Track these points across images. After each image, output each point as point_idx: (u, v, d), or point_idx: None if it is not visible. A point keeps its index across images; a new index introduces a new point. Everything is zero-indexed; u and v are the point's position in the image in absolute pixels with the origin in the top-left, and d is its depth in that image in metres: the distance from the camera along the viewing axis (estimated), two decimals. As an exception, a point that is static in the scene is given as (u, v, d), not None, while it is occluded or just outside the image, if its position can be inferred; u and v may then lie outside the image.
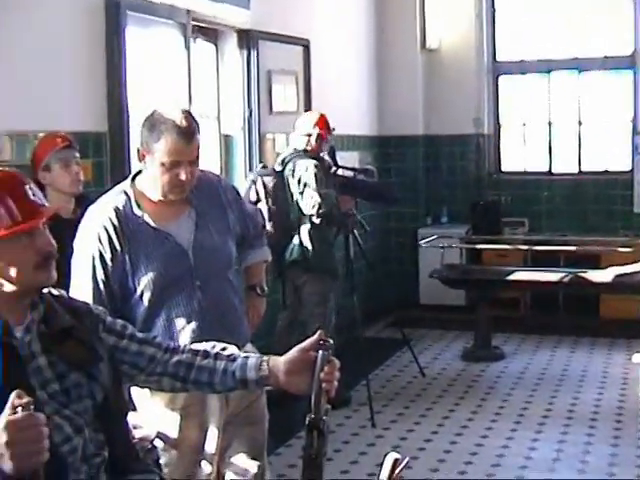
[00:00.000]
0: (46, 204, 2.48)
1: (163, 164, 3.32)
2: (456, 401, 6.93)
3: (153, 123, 3.35)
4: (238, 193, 3.80)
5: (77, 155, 4.51)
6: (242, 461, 3.56)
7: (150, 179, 3.41)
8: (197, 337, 3.30)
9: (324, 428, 2.52)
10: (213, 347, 2.83)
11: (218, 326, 3.42)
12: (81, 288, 3.28)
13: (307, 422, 2.53)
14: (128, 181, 3.52)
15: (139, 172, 3.50)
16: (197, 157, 3.40)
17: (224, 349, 2.82)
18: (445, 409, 6.72)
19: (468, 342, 8.49)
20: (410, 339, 8.04)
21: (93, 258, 3.35)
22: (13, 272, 2.40)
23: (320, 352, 2.56)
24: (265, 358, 2.73)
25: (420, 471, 5.39)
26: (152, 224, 3.40)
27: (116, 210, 3.39)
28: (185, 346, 2.85)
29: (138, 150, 3.42)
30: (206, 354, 2.79)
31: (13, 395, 2.02)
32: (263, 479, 3.60)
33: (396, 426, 6.38)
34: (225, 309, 3.51)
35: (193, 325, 3.40)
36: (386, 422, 6.44)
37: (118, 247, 3.35)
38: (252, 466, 3.57)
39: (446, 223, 9.99)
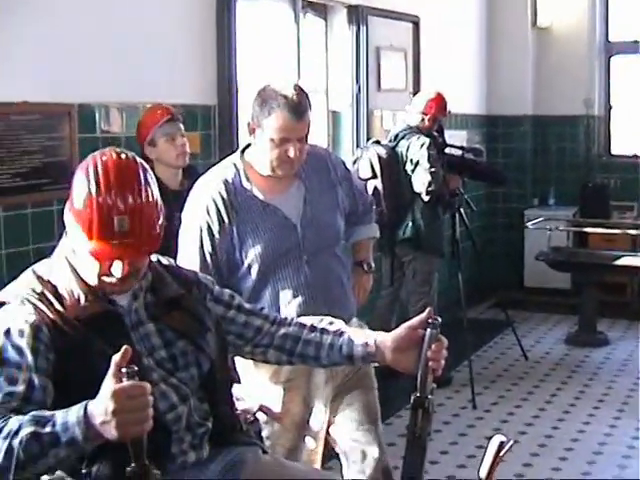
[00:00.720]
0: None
1: (272, 140, 3.30)
2: (559, 386, 6.83)
3: (265, 98, 3.32)
4: (348, 169, 3.76)
5: (181, 127, 4.52)
6: (355, 431, 3.51)
7: (259, 153, 3.40)
8: (303, 311, 3.28)
9: (429, 407, 2.50)
10: (320, 321, 2.82)
11: (324, 300, 3.40)
12: (188, 259, 3.30)
13: (412, 400, 2.52)
14: (238, 154, 3.52)
15: (248, 145, 3.50)
16: (307, 134, 3.37)
17: (331, 323, 2.81)
18: (547, 393, 6.63)
19: (572, 326, 8.35)
20: (513, 321, 7.95)
21: (201, 230, 3.37)
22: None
23: (428, 330, 2.53)
24: (373, 334, 2.72)
25: (521, 455, 5.32)
26: (261, 197, 3.40)
27: (225, 183, 3.39)
28: (292, 319, 2.85)
29: (248, 124, 3.41)
30: (313, 328, 2.78)
31: (117, 356, 2.04)
32: (381, 449, 3.53)
33: (497, 408, 6.33)
34: (332, 284, 3.49)
35: (299, 299, 3.39)
36: (487, 404, 6.39)
37: (226, 219, 3.35)
38: (366, 435, 3.52)
39: (553, 205, 9.82)
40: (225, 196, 3.36)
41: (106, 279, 2.40)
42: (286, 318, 2.85)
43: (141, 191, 2.36)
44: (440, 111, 6.64)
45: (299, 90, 3.34)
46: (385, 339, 2.65)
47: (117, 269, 2.37)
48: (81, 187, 2.35)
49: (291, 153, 3.31)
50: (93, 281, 2.41)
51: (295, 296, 3.40)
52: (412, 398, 2.53)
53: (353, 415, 3.50)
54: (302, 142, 3.35)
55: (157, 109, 4.54)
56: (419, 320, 2.57)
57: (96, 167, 2.36)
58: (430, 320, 2.54)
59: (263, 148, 3.35)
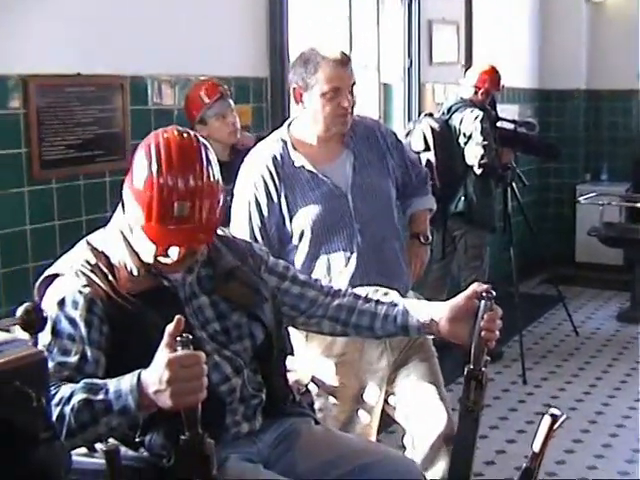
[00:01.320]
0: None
1: (324, 94, 3.32)
2: (610, 362, 6.77)
3: (306, 58, 3.37)
4: (399, 140, 3.73)
5: (232, 104, 4.49)
6: (417, 397, 3.44)
7: (309, 119, 3.41)
8: (356, 281, 3.26)
9: (483, 380, 2.49)
10: (375, 292, 2.81)
11: (377, 271, 3.39)
12: (240, 234, 3.31)
13: (465, 373, 2.51)
14: (284, 128, 3.53)
15: (292, 121, 3.53)
16: (354, 84, 3.40)
17: (386, 294, 2.80)
18: (598, 370, 6.58)
19: (624, 303, 8.28)
20: (564, 297, 7.89)
21: (249, 204, 3.39)
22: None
23: (482, 301, 2.52)
24: (427, 305, 2.71)
25: (571, 431, 5.29)
26: (309, 168, 3.40)
27: (273, 157, 3.40)
28: (347, 290, 2.84)
29: (294, 89, 3.42)
30: (368, 298, 2.77)
31: (171, 326, 2.05)
32: (447, 415, 3.39)
33: (547, 384, 6.29)
34: (385, 253, 3.47)
35: (352, 269, 3.37)
36: (537, 379, 6.36)
37: (274, 193, 3.36)
38: (429, 402, 3.42)
39: (606, 180, 9.71)
40: (273, 170, 3.37)
41: (162, 259, 2.41)
42: (340, 289, 2.84)
43: (203, 174, 2.35)
44: (493, 85, 6.59)
45: (334, 45, 3.45)
46: (440, 309, 2.64)
47: (174, 252, 2.38)
48: (142, 166, 2.34)
49: (345, 103, 3.34)
50: (148, 259, 2.42)
51: (347, 266, 3.39)
52: (465, 370, 2.52)
53: (414, 383, 3.44)
54: (351, 93, 3.38)
55: (206, 87, 4.48)
56: (474, 290, 2.56)
57: (158, 147, 2.35)
58: (485, 292, 2.53)
59: (314, 108, 3.37)
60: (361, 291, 2.82)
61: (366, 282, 3.09)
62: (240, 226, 3.38)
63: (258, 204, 3.37)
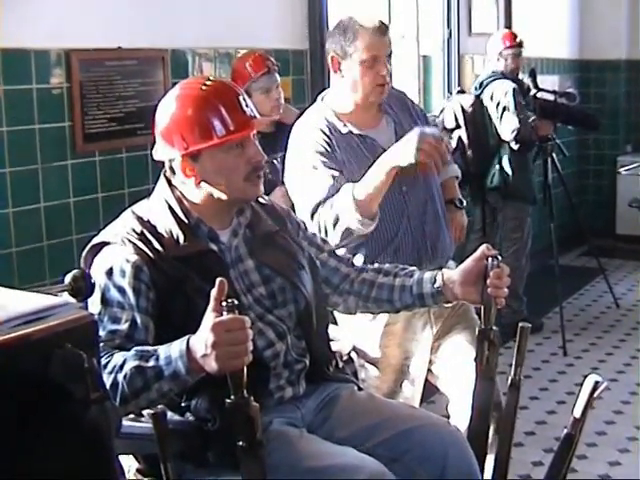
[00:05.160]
0: (257, 116, 2.52)
1: (363, 62, 3.33)
2: (651, 334, 6.75)
3: (345, 27, 3.38)
4: (423, 110, 3.80)
5: (278, 79, 4.50)
6: (461, 365, 3.40)
7: (347, 87, 3.41)
8: (402, 241, 3.35)
9: (494, 338, 2.50)
10: (395, 267, 2.85)
11: (422, 232, 3.43)
12: (316, 188, 3.31)
13: (477, 333, 2.53)
14: (319, 101, 3.56)
15: (325, 95, 3.55)
16: (391, 53, 3.41)
17: (404, 269, 2.84)
18: (639, 342, 6.56)
19: (665, 275, 8.24)
20: (605, 269, 7.85)
21: (320, 154, 3.35)
22: (224, 181, 2.46)
23: (489, 259, 2.54)
24: (440, 271, 2.73)
25: (611, 402, 5.28)
26: (357, 132, 3.41)
27: (323, 126, 3.40)
28: (370, 266, 2.89)
29: (332, 58, 3.42)
30: (387, 272, 2.82)
31: (215, 290, 2.07)
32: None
33: (588, 355, 6.28)
34: (428, 215, 3.48)
35: (400, 229, 3.40)
36: (578, 351, 6.35)
37: (334, 148, 3.37)
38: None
39: (647, 152, 9.65)
40: (328, 134, 3.38)
41: (252, 176, 2.48)
42: (365, 266, 2.91)
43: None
44: (504, 44, 6.50)
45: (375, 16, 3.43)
46: (452, 274, 2.70)
47: (252, 149, 2.50)
48: (195, 113, 2.46)
49: (383, 71, 3.34)
50: (239, 182, 2.48)
51: (396, 226, 3.40)
52: (477, 330, 2.54)
53: (457, 351, 3.44)
54: (389, 62, 3.39)
55: (253, 59, 4.48)
56: (482, 251, 2.61)
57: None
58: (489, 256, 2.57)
59: (353, 77, 3.37)
60: (382, 266, 2.87)
61: (412, 242, 3.25)
62: (315, 180, 3.31)
63: (327, 151, 3.34)
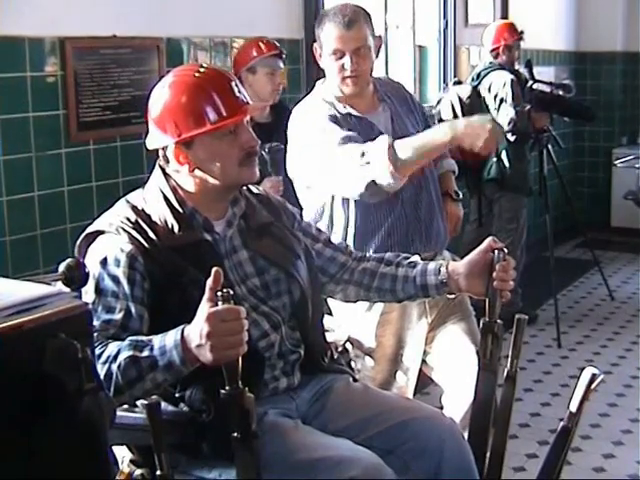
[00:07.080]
0: (250, 102, 2.51)
1: (329, 54, 3.34)
2: (645, 327, 6.75)
3: (321, 16, 3.42)
4: (419, 102, 3.80)
5: (282, 66, 4.54)
6: (455, 355, 3.44)
7: (329, 77, 3.43)
8: (395, 226, 3.35)
9: (498, 332, 2.49)
10: (397, 256, 2.84)
11: (416, 214, 3.43)
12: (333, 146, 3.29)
13: (481, 326, 2.52)
14: (318, 86, 3.55)
15: (322, 82, 3.54)
16: (361, 48, 3.33)
17: (407, 258, 2.83)
18: (633, 334, 6.54)
19: (660, 267, 8.24)
20: (600, 261, 7.84)
21: (333, 118, 3.36)
22: (218, 167, 2.45)
23: (495, 252, 2.54)
24: (444, 262, 2.72)
25: (606, 394, 5.28)
26: (356, 114, 3.40)
27: (326, 104, 3.40)
28: (371, 255, 2.88)
29: (315, 49, 3.44)
30: (388, 261, 2.81)
31: (210, 280, 2.05)
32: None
33: (582, 347, 6.28)
34: (424, 199, 3.48)
35: (395, 215, 3.39)
36: (572, 343, 6.34)
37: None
38: (469, 359, 3.31)
39: (642, 144, 9.64)
40: (331, 108, 3.38)
41: (246, 162, 2.48)
42: (365, 255, 2.89)
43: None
44: (510, 36, 6.50)
45: (352, 5, 3.38)
46: (457, 266, 2.69)
47: (245, 134, 2.47)
48: (187, 99, 2.46)
49: (346, 65, 3.32)
50: (234, 169, 2.47)
51: (390, 208, 3.39)
52: (481, 323, 2.53)
53: (452, 342, 3.45)
54: (359, 56, 3.33)
55: (265, 41, 4.55)
56: (488, 244, 2.60)
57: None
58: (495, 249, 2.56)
59: (328, 68, 3.40)
60: (383, 255, 2.86)
61: (406, 227, 3.25)
62: (332, 139, 3.26)
63: (337, 118, 3.34)
